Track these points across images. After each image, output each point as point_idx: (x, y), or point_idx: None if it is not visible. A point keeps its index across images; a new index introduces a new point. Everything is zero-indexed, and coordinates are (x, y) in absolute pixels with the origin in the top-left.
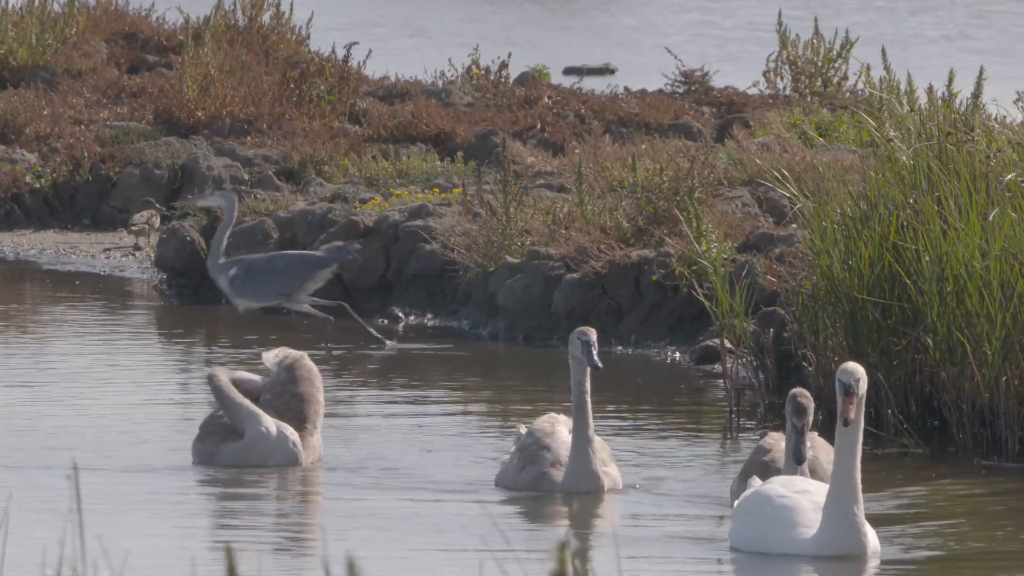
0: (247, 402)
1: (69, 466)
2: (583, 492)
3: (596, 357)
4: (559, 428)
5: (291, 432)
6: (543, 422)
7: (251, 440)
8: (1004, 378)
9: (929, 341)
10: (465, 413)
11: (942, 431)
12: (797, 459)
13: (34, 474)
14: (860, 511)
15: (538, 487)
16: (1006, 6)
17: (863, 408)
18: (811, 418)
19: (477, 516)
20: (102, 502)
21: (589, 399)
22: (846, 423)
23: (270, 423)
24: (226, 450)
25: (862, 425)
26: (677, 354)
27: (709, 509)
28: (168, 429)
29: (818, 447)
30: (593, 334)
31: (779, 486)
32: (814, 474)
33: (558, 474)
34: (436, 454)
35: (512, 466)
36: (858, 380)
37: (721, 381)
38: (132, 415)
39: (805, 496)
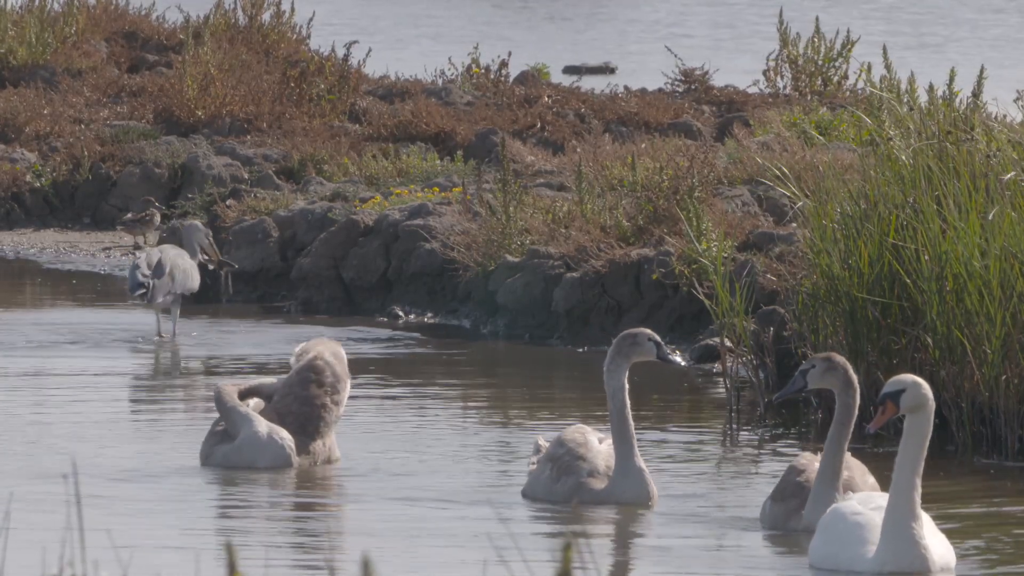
0: (242, 407)
1: (69, 467)
2: (629, 502)
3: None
4: (590, 438)
5: (283, 435)
6: (573, 432)
7: (240, 442)
8: (1004, 377)
9: (929, 340)
10: (465, 412)
11: (942, 430)
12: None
13: (34, 475)
14: (919, 525)
15: (577, 498)
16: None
17: (924, 423)
18: (823, 374)
19: (490, 523)
20: (102, 503)
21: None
22: (867, 432)
23: (262, 425)
24: (218, 451)
25: (926, 441)
26: (678, 353)
27: (709, 513)
28: (169, 429)
29: (853, 466)
30: (653, 333)
31: (856, 503)
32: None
33: (596, 484)
34: (442, 457)
35: (544, 477)
36: (897, 392)
37: (721, 380)
38: (132, 415)
39: (880, 513)
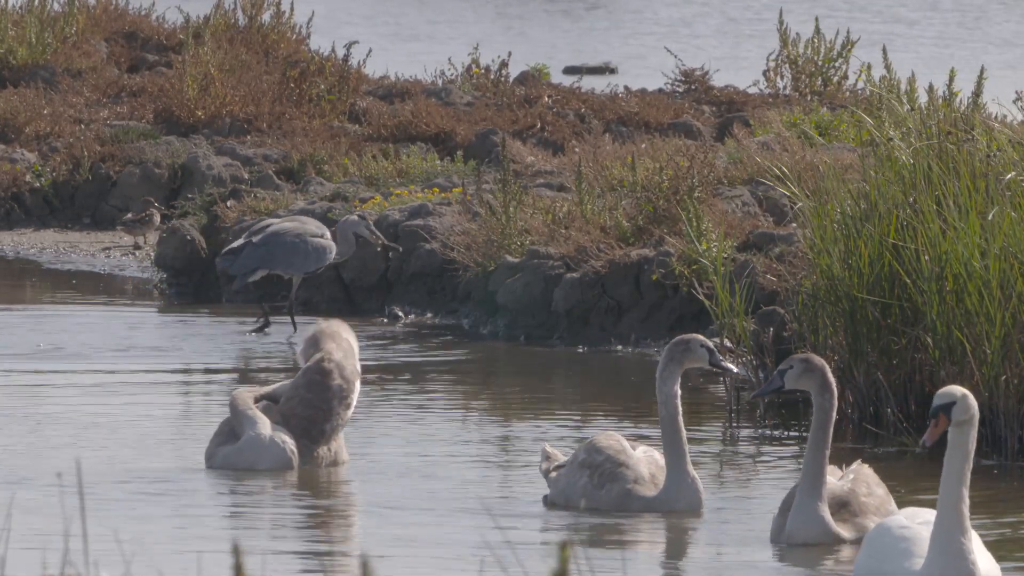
0: (251, 410)
1: (70, 468)
2: (682, 510)
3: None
4: (626, 445)
5: (286, 438)
6: (607, 439)
7: (242, 443)
8: (1003, 377)
9: (929, 340)
10: (465, 412)
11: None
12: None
13: (34, 476)
14: (968, 540)
15: (625, 506)
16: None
17: (970, 435)
18: (800, 375)
19: (491, 527)
20: (103, 503)
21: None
22: (921, 445)
23: (265, 428)
24: (220, 452)
25: (972, 453)
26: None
27: (710, 516)
28: (168, 429)
29: (859, 479)
30: (706, 340)
31: (903, 517)
32: (846, 507)
33: (645, 491)
34: (442, 459)
35: (582, 484)
36: (949, 404)
37: (721, 380)
38: (131, 415)
39: (926, 527)
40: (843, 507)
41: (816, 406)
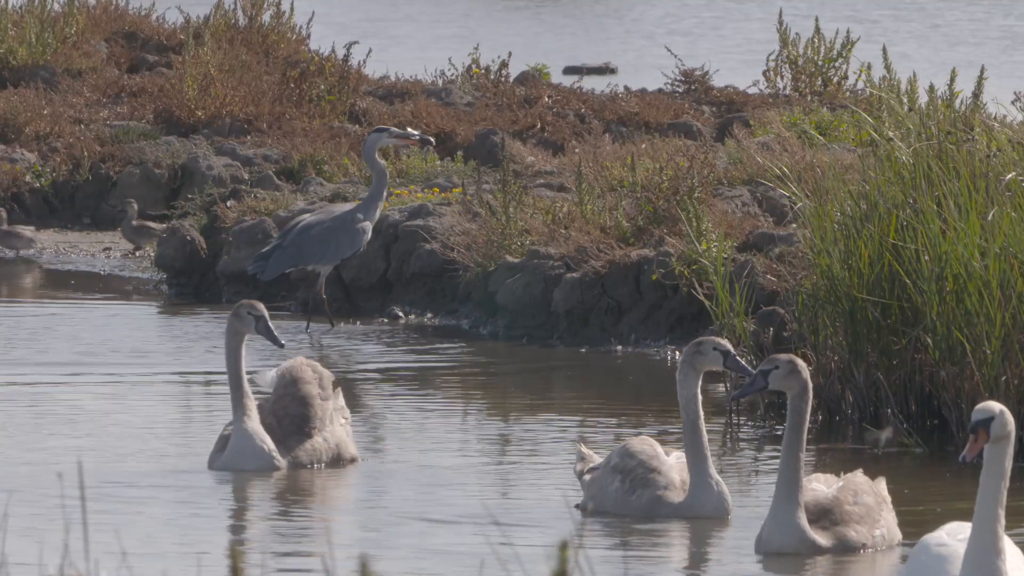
0: (245, 385)
1: (71, 468)
2: (708, 515)
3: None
4: (659, 450)
5: (265, 438)
6: (641, 444)
7: (230, 445)
8: (1004, 378)
9: (929, 340)
10: (465, 413)
11: (942, 430)
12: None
13: (35, 477)
14: (1002, 561)
15: (655, 512)
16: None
17: (1007, 451)
18: (785, 376)
19: (492, 529)
20: (103, 505)
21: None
22: (961, 460)
23: (247, 427)
24: (218, 457)
25: (1008, 470)
26: (677, 353)
27: (710, 519)
28: (168, 430)
29: (847, 487)
30: (722, 342)
31: (944, 533)
32: (827, 515)
33: (674, 497)
34: (442, 460)
35: (614, 489)
36: (988, 420)
37: (721, 380)
38: (131, 416)
39: (964, 545)
40: (824, 515)
41: (793, 408)
